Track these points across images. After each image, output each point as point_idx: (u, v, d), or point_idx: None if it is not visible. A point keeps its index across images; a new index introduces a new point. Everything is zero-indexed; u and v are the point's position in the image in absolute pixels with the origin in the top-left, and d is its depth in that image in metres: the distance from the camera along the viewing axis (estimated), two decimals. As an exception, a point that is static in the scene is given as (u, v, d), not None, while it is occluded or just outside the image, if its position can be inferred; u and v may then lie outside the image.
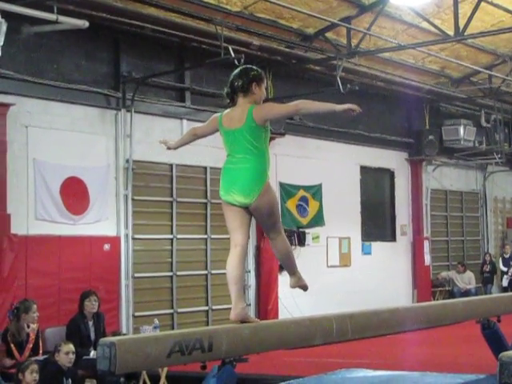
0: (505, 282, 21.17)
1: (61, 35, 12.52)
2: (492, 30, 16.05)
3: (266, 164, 5.33)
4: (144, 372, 10.17)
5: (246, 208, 5.34)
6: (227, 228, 5.45)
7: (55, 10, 11.41)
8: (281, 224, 5.55)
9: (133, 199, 13.81)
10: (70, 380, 9.13)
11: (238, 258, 5.37)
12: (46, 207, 12.45)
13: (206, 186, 15.14)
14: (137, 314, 13.72)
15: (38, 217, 12.37)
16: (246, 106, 5.34)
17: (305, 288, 5.78)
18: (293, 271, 5.71)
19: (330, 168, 17.74)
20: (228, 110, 5.44)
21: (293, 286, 5.78)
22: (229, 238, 5.44)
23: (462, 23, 13.72)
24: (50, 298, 12.22)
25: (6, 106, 11.90)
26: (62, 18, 11.50)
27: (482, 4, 14.46)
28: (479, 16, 14.84)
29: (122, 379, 9.47)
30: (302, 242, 16.78)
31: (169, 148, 5.86)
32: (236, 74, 5.45)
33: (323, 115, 16.93)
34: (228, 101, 5.45)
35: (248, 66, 5.61)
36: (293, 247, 16.60)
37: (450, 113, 21.58)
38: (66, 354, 9.12)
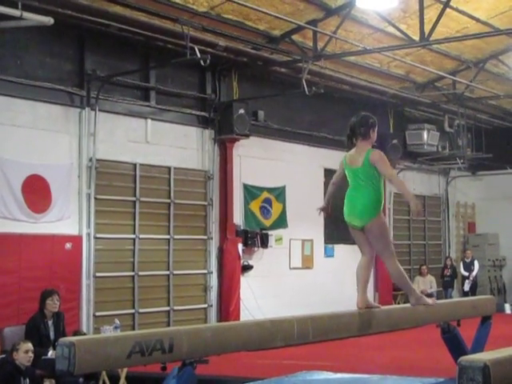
0: (466, 287, 21.27)
1: (25, 32, 12.35)
2: (457, 36, 16.19)
3: (380, 196, 6.50)
4: (103, 372, 10.11)
5: (362, 229, 6.54)
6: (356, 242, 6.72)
7: (20, 6, 11.26)
8: (392, 250, 6.73)
9: (95, 198, 13.70)
10: (27, 379, 9.02)
11: (367, 263, 6.80)
12: (8, 205, 12.30)
13: (169, 186, 15.07)
14: (97, 313, 13.60)
15: (-2, 214, 12.24)
16: (364, 149, 6.49)
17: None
18: (409, 291, 6.88)
19: (294, 170, 17.76)
20: (350, 152, 6.61)
21: (413, 305, 6.85)
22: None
23: (427, 29, 13.80)
24: (9, 296, 12.07)
25: (-32, 102, 11.79)
26: (26, 15, 11.36)
27: (448, 10, 14.56)
28: (444, 22, 14.93)
29: (80, 379, 9.43)
30: (264, 243, 16.75)
31: (325, 210, 7.16)
32: (357, 121, 6.56)
33: (289, 116, 17.08)
34: (348, 141, 6.62)
35: (366, 114, 6.71)
36: (255, 249, 16.61)
37: (413, 117, 21.71)
38: (25, 353, 8.99)
